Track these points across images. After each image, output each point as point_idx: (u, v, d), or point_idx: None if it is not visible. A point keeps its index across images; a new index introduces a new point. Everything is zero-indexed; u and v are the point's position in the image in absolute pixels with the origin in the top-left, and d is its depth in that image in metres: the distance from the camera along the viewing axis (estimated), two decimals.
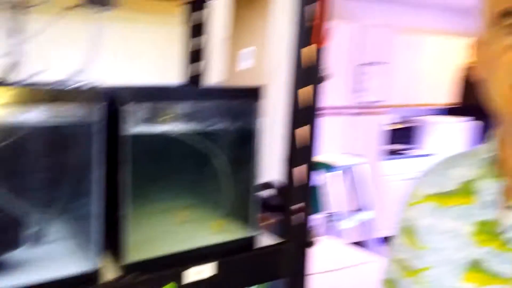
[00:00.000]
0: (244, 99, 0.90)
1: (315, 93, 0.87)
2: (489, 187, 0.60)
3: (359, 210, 2.85)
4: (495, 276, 0.56)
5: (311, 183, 0.93)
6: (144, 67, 1.33)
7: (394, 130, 4.33)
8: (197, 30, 1.40)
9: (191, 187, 0.93)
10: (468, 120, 4.56)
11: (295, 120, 0.87)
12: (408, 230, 0.71)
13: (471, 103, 4.70)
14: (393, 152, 4.33)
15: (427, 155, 4.39)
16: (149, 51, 1.33)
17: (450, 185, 0.67)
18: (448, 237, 0.63)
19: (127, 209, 0.76)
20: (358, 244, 3.59)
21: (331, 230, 2.52)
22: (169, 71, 1.45)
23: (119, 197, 0.75)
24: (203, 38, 1.40)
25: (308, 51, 0.85)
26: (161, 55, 1.40)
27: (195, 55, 1.42)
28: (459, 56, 4.63)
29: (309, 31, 0.85)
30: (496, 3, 0.55)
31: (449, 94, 4.69)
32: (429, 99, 4.57)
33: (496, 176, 0.60)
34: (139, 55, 1.30)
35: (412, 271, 0.68)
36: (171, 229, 0.88)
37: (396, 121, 4.40)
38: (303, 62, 0.85)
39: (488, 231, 0.58)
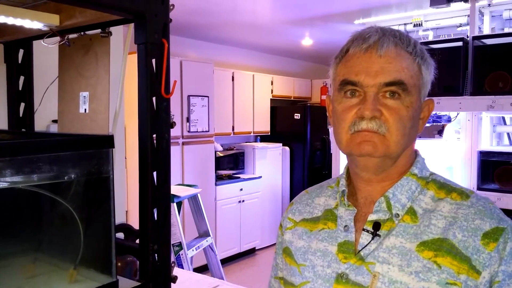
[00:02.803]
0: (95, 148, 0.91)
1: (168, 137, 0.95)
2: (345, 215, 0.77)
3: (200, 236, 2.96)
4: (356, 286, 0.71)
5: (167, 221, 0.98)
6: None
7: (221, 157, 4.65)
8: (21, 70, 1.30)
9: (40, 240, 0.88)
10: (279, 146, 5.26)
11: (152, 163, 0.92)
12: (288, 251, 0.84)
13: (278, 131, 5.46)
14: (223, 177, 4.63)
15: (253, 178, 4.84)
16: None
17: (317, 211, 0.83)
18: (319, 256, 0.77)
19: None
20: (202, 269, 3.69)
21: (178, 260, 2.56)
22: None
23: None
24: (26, 78, 1.31)
25: (158, 99, 0.92)
26: None
27: (21, 96, 1.31)
28: (267, 90, 5.32)
29: (158, 81, 0.92)
30: (338, 74, 0.76)
31: (261, 123, 5.31)
32: (245, 127, 5.08)
33: (349, 205, 0.78)
34: None
35: (294, 287, 0.80)
36: (16, 285, 0.82)
37: (221, 148, 4.73)
38: (155, 110, 0.92)
39: (347, 250, 0.74)
